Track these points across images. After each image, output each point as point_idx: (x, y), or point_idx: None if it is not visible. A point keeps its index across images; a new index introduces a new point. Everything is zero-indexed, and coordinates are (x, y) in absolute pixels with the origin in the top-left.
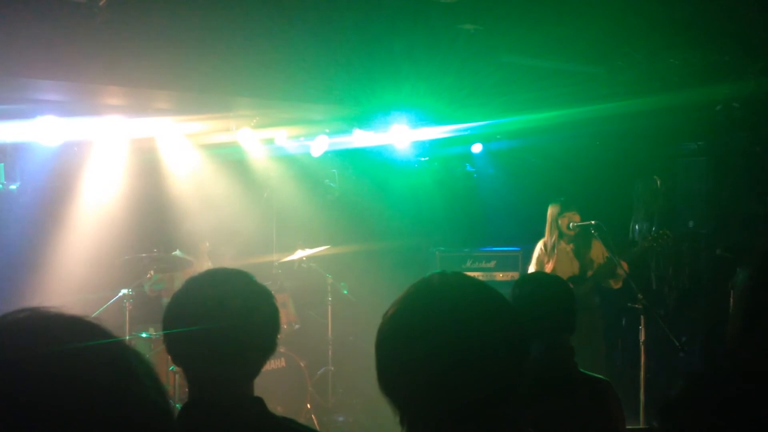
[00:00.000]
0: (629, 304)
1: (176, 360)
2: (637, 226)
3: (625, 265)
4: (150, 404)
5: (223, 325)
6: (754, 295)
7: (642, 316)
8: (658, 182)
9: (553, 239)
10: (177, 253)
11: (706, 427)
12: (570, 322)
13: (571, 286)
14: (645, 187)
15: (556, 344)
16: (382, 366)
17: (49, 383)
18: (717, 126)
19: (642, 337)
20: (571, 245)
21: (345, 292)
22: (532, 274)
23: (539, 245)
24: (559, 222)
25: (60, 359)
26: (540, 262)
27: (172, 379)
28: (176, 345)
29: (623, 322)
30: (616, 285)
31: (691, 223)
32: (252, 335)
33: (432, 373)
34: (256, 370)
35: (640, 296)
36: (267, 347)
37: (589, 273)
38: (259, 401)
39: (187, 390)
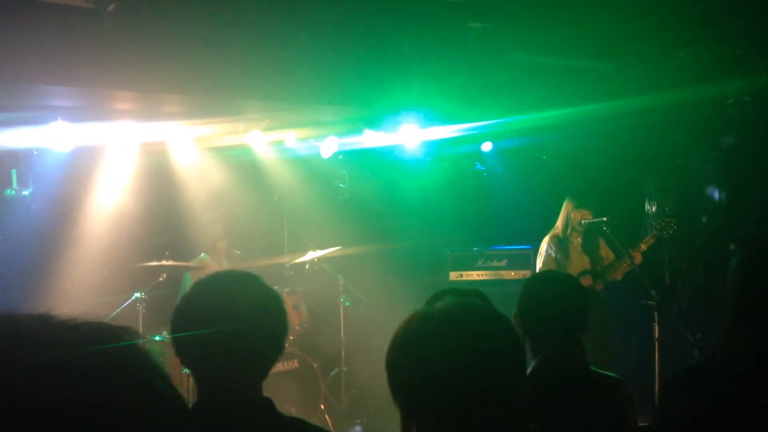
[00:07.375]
0: (642, 301)
1: (185, 362)
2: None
3: (638, 256)
4: (167, 409)
5: (232, 328)
6: (742, 284)
7: (655, 313)
8: (671, 181)
9: (566, 234)
10: (203, 256)
11: (700, 411)
12: (582, 321)
13: (586, 281)
14: (657, 184)
15: (568, 343)
16: (394, 386)
17: (56, 391)
18: (729, 121)
19: (656, 334)
20: (580, 240)
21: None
22: (543, 272)
23: (547, 242)
24: (572, 216)
25: (70, 365)
26: (551, 259)
27: (186, 382)
28: (185, 348)
29: (636, 319)
30: (619, 276)
31: (704, 219)
32: (261, 338)
33: (442, 390)
34: (265, 371)
35: (653, 292)
36: (276, 349)
37: (598, 268)
38: (269, 402)
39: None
